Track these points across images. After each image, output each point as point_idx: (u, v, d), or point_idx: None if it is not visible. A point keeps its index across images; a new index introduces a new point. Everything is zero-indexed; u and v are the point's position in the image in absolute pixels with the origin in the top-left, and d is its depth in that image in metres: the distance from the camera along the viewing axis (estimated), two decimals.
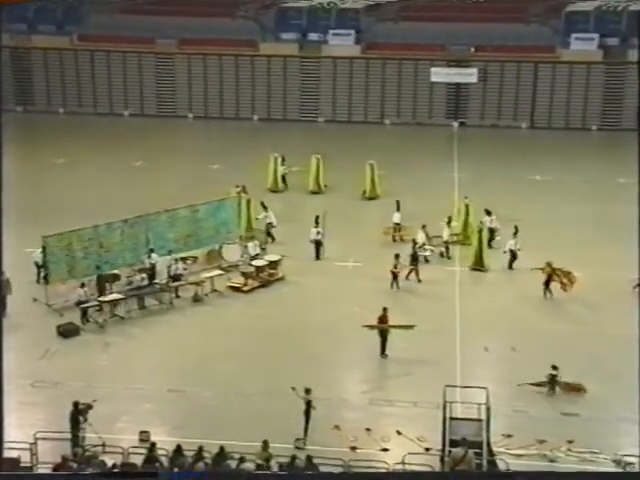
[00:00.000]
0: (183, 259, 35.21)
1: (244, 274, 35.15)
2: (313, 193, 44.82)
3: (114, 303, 32.55)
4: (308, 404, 25.24)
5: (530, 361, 29.20)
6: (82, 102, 60.23)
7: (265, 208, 39.24)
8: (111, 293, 32.94)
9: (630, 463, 24.09)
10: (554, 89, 56.72)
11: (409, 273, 35.20)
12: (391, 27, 59.60)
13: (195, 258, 36.12)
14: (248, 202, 39.33)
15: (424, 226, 37.46)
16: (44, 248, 32.94)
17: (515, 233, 36.07)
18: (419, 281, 35.10)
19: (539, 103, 57.00)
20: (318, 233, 37.04)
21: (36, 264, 34.03)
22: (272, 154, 45.13)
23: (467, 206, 38.62)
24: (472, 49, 57.71)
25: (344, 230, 39.35)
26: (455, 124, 57.39)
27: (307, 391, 25.35)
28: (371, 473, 21.10)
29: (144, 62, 59.72)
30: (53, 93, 60.39)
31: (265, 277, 35.30)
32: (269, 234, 38.83)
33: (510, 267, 36.19)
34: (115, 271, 33.94)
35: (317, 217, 37.12)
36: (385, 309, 29.80)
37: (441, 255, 37.43)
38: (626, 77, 55.98)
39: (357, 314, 32.19)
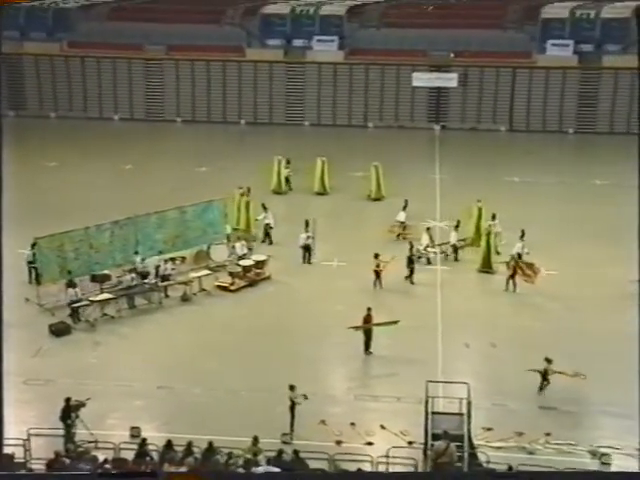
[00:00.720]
0: (172, 259, 35.16)
1: (231, 274, 35.11)
2: (318, 194, 44.81)
3: (104, 302, 32.53)
4: (292, 401, 25.29)
5: (509, 357, 29.37)
6: (73, 107, 60.02)
7: (265, 209, 39.22)
8: (101, 293, 32.91)
9: (605, 454, 24.27)
10: (531, 93, 56.90)
11: (409, 275, 34.86)
12: (373, 33, 59.66)
13: (183, 258, 36.04)
14: (247, 204, 39.18)
15: (428, 228, 37.38)
16: (33, 245, 33.09)
17: (522, 237, 35.74)
18: (412, 283, 34.91)
19: (517, 107, 57.19)
20: (308, 238, 36.67)
21: (28, 262, 33.99)
22: (276, 157, 45.04)
23: (480, 209, 38.06)
24: (452, 55, 57.80)
25: (343, 230, 39.51)
26: (436, 127, 57.53)
27: (292, 388, 25.39)
28: (378, 473, 21.09)
29: (133, 68, 59.60)
30: (44, 98, 60.19)
31: (252, 277, 35.28)
32: (267, 235, 38.78)
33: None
34: (105, 271, 33.87)
35: (307, 222, 36.88)
36: (369, 309, 29.82)
37: (446, 257, 37.05)
38: (600, 82, 56.26)
39: (341, 312, 32.30)
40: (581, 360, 28.99)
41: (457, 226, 37.43)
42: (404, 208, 39.78)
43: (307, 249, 36.67)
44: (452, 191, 43.09)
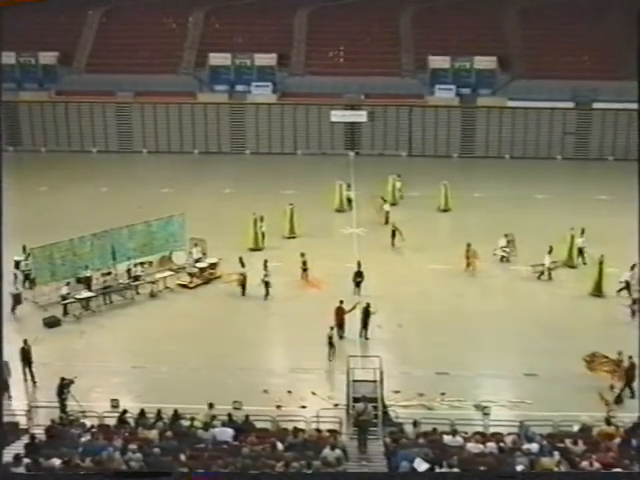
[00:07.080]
0: (141, 263, 34.78)
1: (190, 274, 34.86)
2: (392, 205, 43.49)
3: (87, 299, 32.10)
4: (330, 338, 27.37)
5: (413, 335, 29.60)
6: (59, 142, 58.91)
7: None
8: (84, 291, 32.46)
9: (486, 407, 24.69)
10: (425, 126, 57.48)
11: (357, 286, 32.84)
12: (300, 80, 59.67)
13: (150, 262, 35.65)
14: (255, 221, 38.01)
15: (506, 235, 36.40)
16: (26, 252, 32.93)
17: (633, 267, 31.85)
18: (358, 294, 32.21)
19: (414, 137, 57.65)
20: (266, 275, 33.38)
21: (22, 272, 33.48)
22: (337, 182, 44.48)
23: (572, 236, 35.62)
24: (362, 96, 58.18)
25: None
26: (351, 154, 57.74)
27: (332, 328, 27.72)
28: (381, 473, 20.11)
29: (107, 110, 58.72)
30: (36, 136, 58.94)
31: (206, 276, 35.03)
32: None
33: (629, 295, 32.33)
34: (87, 275, 33.31)
35: (265, 261, 34.08)
36: (368, 304, 29.13)
37: (539, 277, 34.62)
38: (476, 117, 57.28)
39: (279, 303, 32.16)
40: (466, 335, 29.53)
41: (550, 251, 35.06)
42: (385, 203, 41.66)
43: (267, 285, 33.14)
44: (364, 205, 43.54)
